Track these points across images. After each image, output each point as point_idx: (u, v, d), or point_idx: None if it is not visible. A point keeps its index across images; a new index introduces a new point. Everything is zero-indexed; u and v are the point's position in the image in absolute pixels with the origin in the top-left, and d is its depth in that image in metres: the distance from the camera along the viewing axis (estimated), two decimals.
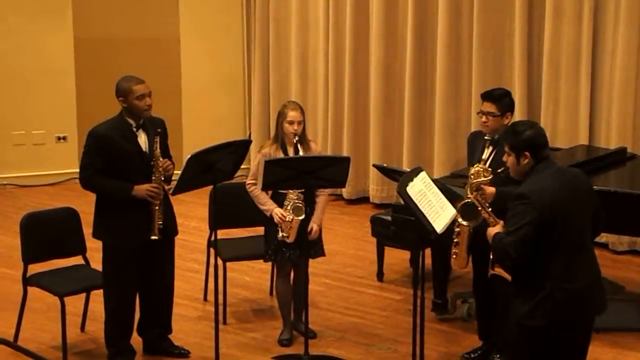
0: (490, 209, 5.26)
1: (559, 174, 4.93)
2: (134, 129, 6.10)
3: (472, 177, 5.59)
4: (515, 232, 4.76)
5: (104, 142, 6.05)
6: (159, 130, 6.12)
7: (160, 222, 6.09)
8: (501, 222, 5.02)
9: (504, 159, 5.02)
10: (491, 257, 5.14)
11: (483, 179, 5.53)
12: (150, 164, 6.08)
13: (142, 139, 6.12)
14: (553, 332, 4.85)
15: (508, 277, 5.05)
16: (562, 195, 4.82)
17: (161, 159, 6.09)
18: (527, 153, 4.88)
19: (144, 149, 6.11)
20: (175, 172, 6.16)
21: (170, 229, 6.26)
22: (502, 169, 5.17)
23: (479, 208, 5.34)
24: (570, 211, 4.83)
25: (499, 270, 5.08)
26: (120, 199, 6.05)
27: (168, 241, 6.27)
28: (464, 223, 5.66)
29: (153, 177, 6.08)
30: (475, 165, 5.66)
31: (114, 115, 6.17)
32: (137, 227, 6.08)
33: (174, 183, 6.06)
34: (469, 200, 5.56)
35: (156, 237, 6.08)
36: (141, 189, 6.04)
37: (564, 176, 4.94)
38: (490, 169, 5.60)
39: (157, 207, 6.08)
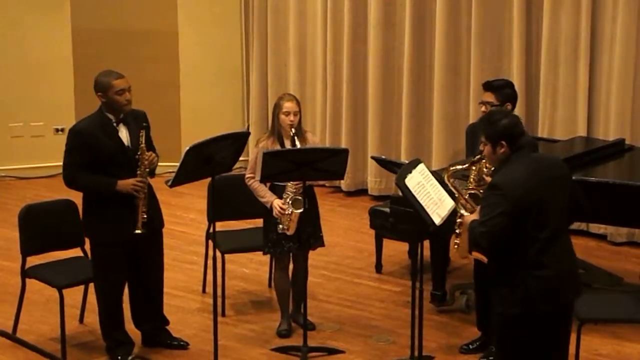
0: (467, 196, 5.28)
1: (533, 163, 4.94)
2: (114, 124, 6.06)
3: (474, 168, 5.58)
4: (486, 222, 4.80)
5: (86, 138, 6.01)
6: (144, 124, 6.09)
7: (145, 216, 6.06)
8: (478, 208, 5.04)
9: (481, 147, 5.04)
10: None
11: (485, 170, 5.53)
12: (135, 157, 6.04)
13: (124, 134, 6.08)
14: (531, 320, 4.88)
15: (485, 260, 5.07)
16: (535, 184, 4.84)
17: (146, 153, 6.08)
18: (503, 142, 4.90)
19: (126, 144, 6.08)
20: (173, 164, 6.14)
21: (156, 222, 6.24)
22: (479, 157, 5.19)
23: (456, 195, 5.36)
24: (544, 199, 4.85)
25: (476, 255, 5.10)
26: (106, 195, 6.02)
27: (155, 234, 6.25)
28: (467, 214, 5.62)
29: (138, 171, 6.05)
30: (477, 157, 5.64)
31: (93, 112, 6.13)
32: (123, 223, 6.04)
33: (169, 176, 6.02)
34: (471, 191, 5.57)
35: (140, 231, 6.05)
36: (127, 184, 6.01)
37: (539, 164, 4.96)
38: None
39: (141, 201, 6.05)
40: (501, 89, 6.16)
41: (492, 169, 5.52)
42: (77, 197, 6.64)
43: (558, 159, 5.17)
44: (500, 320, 4.96)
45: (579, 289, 5.05)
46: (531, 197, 4.80)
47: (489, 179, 5.56)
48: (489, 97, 6.14)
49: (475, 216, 5.00)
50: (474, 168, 5.61)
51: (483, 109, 6.15)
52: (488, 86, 6.22)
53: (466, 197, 5.30)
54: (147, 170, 6.08)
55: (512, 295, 4.85)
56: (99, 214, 6.10)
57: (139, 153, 6.04)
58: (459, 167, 5.53)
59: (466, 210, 5.22)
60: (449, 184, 5.42)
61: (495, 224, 4.77)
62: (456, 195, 5.38)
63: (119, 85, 6.02)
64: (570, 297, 5.00)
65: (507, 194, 4.77)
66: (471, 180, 5.65)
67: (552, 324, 4.93)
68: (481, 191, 5.55)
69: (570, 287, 4.97)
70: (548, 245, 4.85)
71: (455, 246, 5.74)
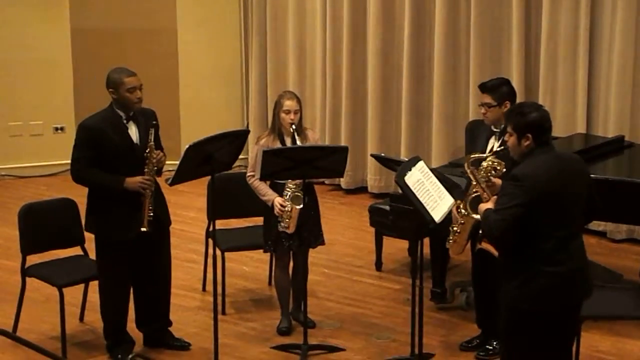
0: (485, 184, 5.27)
1: (556, 159, 4.94)
2: (125, 121, 6.06)
3: (482, 170, 5.48)
4: (501, 212, 4.80)
5: (95, 134, 6.00)
6: (154, 122, 6.09)
7: (151, 215, 6.05)
8: (494, 197, 5.04)
9: (506, 138, 5.03)
10: (480, 232, 5.15)
11: (494, 172, 5.48)
12: (144, 155, 6.04)
13: (133, 131, 6.07)
14: (539, 316, 4.87)
15: (495, 252, 5.06)
16: (555, 181, 4.83)
17: (155, 151, 6.08)
18: (529, 135, 4.89)
19: (135, 141, 6.07)
20: (172, 162, 6.13)
21: (163, 220, 6.23)
22: (502, 147, 5.16)
23: (474, 182, 5.33)
24: (563, 196, 4.85)
25: (486, 246, 5.08)
26: (113, 192, 6.03)
27: (162, 232, 6.24)
28: (474, 216, 5.54)
29: (146, 169, 6.04)
30: (488, 158, 5.56)
31: (104, 108, 6.14)
32: (129, 220, 6.03)
33: (169, 174, 6.01)
34: (475, 193, 5.54)
35: (145, 229, 6.04)
36: (134, 181, 6.00)
37: (560, 161, 4.96)
38: (503, 162, 5.52)
39: (147, 200, 6.04)
40: (497, 89, 6.13)
41: (504, 170, 5.48)
42: (77, 196, 6.66)
43: (578, 157, 5.16)
44: (508, 315, 4.94)
45: (589, 289, 5.02)
46: (550, 192, 4.79)
47: (496, 180, 5.52)
48: (486, 98, 6.12)
49: (490, 205, 4.99)
50: (482, 170, 5.54)
51: (482, 110, 6.14)
52: (483, 88, 6.20)
53: (483, 185, 5.27)
54: (155, 168, 6.08)
55: (523, 290, 4.84)
56: (104, 212, 6.08)
57: (147, 151, 6.04)
58: (482, 155, 5.49)
59: (482, 199, 5.20)
60: (468, 172, 5.39)
61: (511, 214, 4.76)
62: (474, 183, 5.35)
63: (130, 83, 6.02)
64: (580, 297, 4.99)
65: (526, 186, 4.76)
66: (475, 181, 5.56)
67: (559, 322, 4.92)
68: (474, 173, 5.48)
69: (581, 286, 4.96)
70: (563, 242, 4.85)
71: (451, 241, 5.66)
